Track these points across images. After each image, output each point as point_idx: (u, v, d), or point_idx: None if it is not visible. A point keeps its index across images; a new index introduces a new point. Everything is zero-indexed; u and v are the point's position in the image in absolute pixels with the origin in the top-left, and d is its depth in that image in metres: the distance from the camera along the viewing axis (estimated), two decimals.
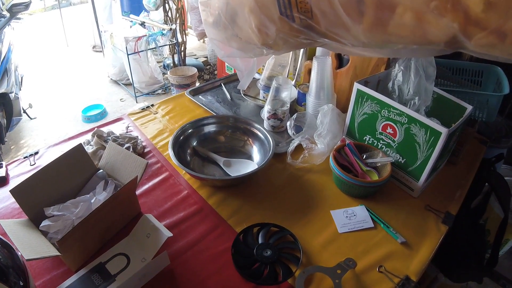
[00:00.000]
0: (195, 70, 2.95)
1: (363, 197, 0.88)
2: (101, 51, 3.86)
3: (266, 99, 1.16)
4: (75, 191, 0.79)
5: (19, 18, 2.57)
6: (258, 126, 1.02)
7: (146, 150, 1.04)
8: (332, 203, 0.87)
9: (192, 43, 4.17)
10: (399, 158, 0.89)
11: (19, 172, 0.94)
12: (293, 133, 1.05)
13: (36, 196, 0.71)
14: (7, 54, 2.34)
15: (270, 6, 0.53)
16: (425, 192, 0.90)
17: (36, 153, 1.01)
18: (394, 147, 0.89)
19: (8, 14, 2.41)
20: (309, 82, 1.09)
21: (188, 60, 3.48)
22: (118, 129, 1.11)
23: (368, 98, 0.90)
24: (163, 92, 3.32)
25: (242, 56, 0.76)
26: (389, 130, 0.88)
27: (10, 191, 0.66)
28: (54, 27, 5.04)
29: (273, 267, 0.69)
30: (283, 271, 0.69)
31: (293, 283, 0.67)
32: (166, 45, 3.20)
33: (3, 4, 2.48)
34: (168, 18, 3.12)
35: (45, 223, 0.69)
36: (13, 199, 0.67)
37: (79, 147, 0.79)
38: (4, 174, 0.90)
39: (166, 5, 3.02)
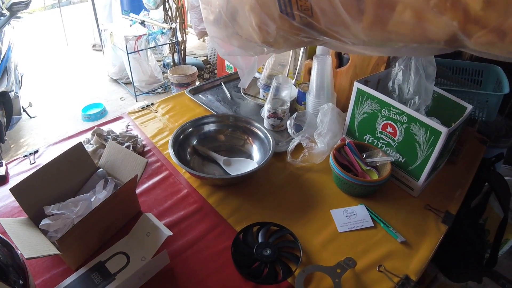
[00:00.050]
0: (195, 69, 2.94)
1: (363, 197, 0.88)
2: (101, 50, 3.86)
3: (266, 98, 1.16)
4: (75, 189, 0.79)
5: (19, 17, 2.57)
6: (258, 125, 1.02)
7: (146, 149, 1.04)
8: (332, 202, 0.87)
9: (192, 42, 4.16)
10: (399, 158, 0.89)
11: (19, 170, 0.94)
12: (293, 132, 1.05)
13: (36, 195, 0.70)
14: (7, 53, 2.34)
15: (270, 4, 0.53)
16: (425, 192, 0.90)
17: (36, 151, 1.01)
18: (394, 146, 0.89)
19: (8, 13, 2.40)
20: (309, 81, 1.09)
21: (188, 59, 3.48)
22: (118, 128, 1.11)
23: (368, 97, 0.90)
24: (163, 91, 3.32)
25: (243, 54, 0.76)
26: (389, 129, 0.88)
27: (10, 189, 0.66)
28: (54, 26, 5.03)
29: (273, 266, 0.69)
30: (283, 270, 0.69)
31: (292, 282, 0.67)
32: (166, 44, 3.20)
33: (3, 2, 2.47)
34: (168, 17, 3.12)
35: (45, 221, 0.69)
36: (13, 198, 0.67)
37: (79, 146, 0.79)
38: (4, 173, 0.90)
39: (166, 4, 3.02)
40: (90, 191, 0.78)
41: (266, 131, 0.99)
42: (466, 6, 0.38)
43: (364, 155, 0.92)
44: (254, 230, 0.78)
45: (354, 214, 0.83)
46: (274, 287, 0.67)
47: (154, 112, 1.23)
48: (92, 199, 0.75)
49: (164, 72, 3.41)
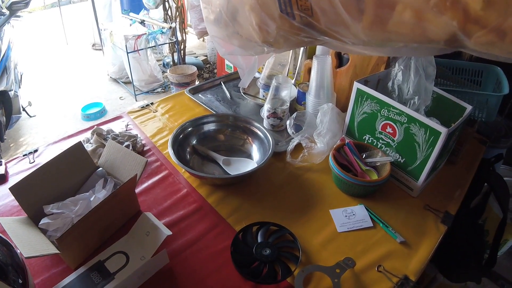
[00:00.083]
0: (195, 68, 2.94)
1: (362, 197, 0.88)
2: (100, 49, 3.86)
3: (266, 98, 1.16)
4: (75, 189, 0.79)
5: (18, 16, 2.57)
6: (258, 125, 1.02)
7: (145, 148, 1.04)
8: (332, 202, 0.87)
9: (192, 42, 4.16)
10: (399, 158, 0.89)
11: (19, 170, 0.94)
12: (292, 132, 1.05)
13: (35, 194, 0.70)
14: (6, 52, 2.34)
15: (271, 3, 0.53)
16: (424, 192, 0.90)
17: (36, 151, 1.01)
18: (394, 146, 0.89)
19: (7, 12, 2.40)
20: (309, 81, 1.09)
21: (188, 59, 3.48)
22: (117, 127, 1.11)
23: (368, 97, 0.90)
24: (163, 90, 3.31)
25: (243, 54, 0.76)
26: (388, 129, 0.88)
27: (10, 188, 0.66)
28: (53, 25, 5.03)
29: (272, 266, 0.69)
30: (282, 270, 0.69)
31: (292, 282, 0.67)
32: (166, 43, 3.20)
33: (2, 1, 2.47)
34: (168, 17, 3.12)
35: (44, 221, 0.69)
36: (12, 197, 0.67)
37: (79, 145, 0.78)
38: (3, 172, 0.90)
39: (166, 3, 3.02)
40: (90, 190, 0.77)
41: (265, 131, 0.99)
42: (466, 6, 0.38)
43: (364, 155, 0.92)
44: (253, 230, 0.78)
45: (354, 214, 0.83)
46: (273, 287, 0.67)
47: (153, 112, 1.23)
48: (92, 199, 0.75)
49: (163, 72, 3.41)
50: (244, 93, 1.30)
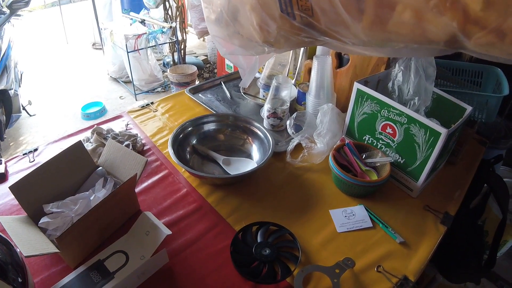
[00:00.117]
0: (195, 68, 2.94)
1: (362, 197, 0.88)
2: (101, 49, 3.85)
3: (266, 98, 1.16)
4: (74, 188, 0.79)
5: (19, 15, 2.57)
6: (258, 125, 1.02)
7: (145, 148, 1.04)
8: (331, 203, 0.87)
9: (192, 41, 4.16)
10: (399, 158, 0.89)
11: (18, 168, 0.94)
12: (292, 132, 1.05)
13: (35, 193, 0.70)
14: (6, 51, 2.34)
15: (271, 3, 0.53)
16: (424, 192, 0.90)
17: (36, 150, 1.01)
18: (394, 147, 0.89)
19: (8, 11, 2.40)
20: (309, 81, 1.09)
21: (188, 58, 3.48)
22: (117, 126, 1.11)
23: (368, 97, 0.90)
24: (163, 90, 3.31)
25: (244, 54, 0.76)
26: (388, 130, 0.88)
27: (9, 187, 0.66)
28: (54, 24, 5.03)
29: (271, 265, 0.70)
30: (281, 269, 0.69)
31: (291, 282, 0.67)
32: (166, 43, 3.20)
33: (3, 1, 2.47)
34: (168, 16, 3.12)
35: (44, 220, 0.69)
36: (12, 196, 0.67)
37: (79, 144, 0.79)
38: (3, 171, 0.90)
39: (166, 3, 3.02)
40: (90, 189, 0.77)
41: (265, 131, 0.99)
42: (465, 7, 0.38)
43: (364, 156, 0.92)
44: (253, 229, 0.78)
45: (353, 215, 0.83)
46: (273, 287, 0.67)
47: (153, 111, 1.23)
48: (92, 198, 0.75)
49: (164, 71, 3.41)
50: (244, 93, 1.30)
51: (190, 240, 0.75)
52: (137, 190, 0.88)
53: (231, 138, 1.05)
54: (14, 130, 2.70)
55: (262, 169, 0.91)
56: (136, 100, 3.18)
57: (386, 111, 0.86)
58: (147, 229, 0.70)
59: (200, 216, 0.82)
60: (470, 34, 0.40)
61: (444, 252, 0.97)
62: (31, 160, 0.97)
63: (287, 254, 0.72)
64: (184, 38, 3.22)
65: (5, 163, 0.94)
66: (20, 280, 0.53)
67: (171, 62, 3.31)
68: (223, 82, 1.41)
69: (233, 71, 1.75)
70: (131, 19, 3.10)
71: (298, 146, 0.99)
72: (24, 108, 2.77)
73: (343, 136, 1.01)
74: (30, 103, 2.88)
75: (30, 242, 0.59)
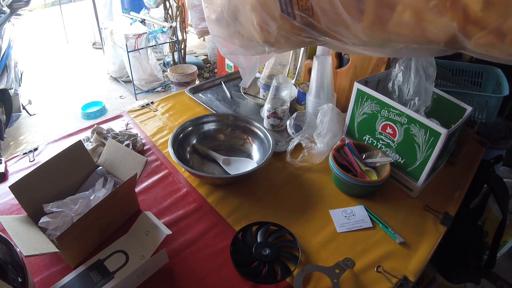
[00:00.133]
0: (195, 68, 2.94)
1: (362, 197, 0.88)
2: (101, 48, 3.85)
3: (266, 98, 1.16)
4: (74, 187, 0.79)
5: (19, 14, 2.57)
6: (258, 125, 1.02)
7: (145, 147, 1.04)
8: (331, 203, 0.87)
9: (192, 41, 4.16)
10: (399, 158, 0.89)
11: (18, 168, 0.94)
12: (292, 132, 1.05)
13: (35, 193, 0.70)
14: (7, 50, 2.34)
15: (271, 3, 0.53)
16: (424, 193, 0.90)
17: (36, 149, 1.01)
18: (394, 147, 0.89)
19: (8, 10, 2.40)
20: (309, 81, 1.09)
21: (188, 58, 3.48)
22: (117, 126, 1.11)
23: (368, 98, 0.90)
24: (163, 89, 3.31)
25: (244, 54, 0.76)
26: (388, 130, 0.88)
27: (9, 187, 0.66)
28: (54, 23, 5.03)
29: (271, 265, 0.70)
30: (281, 270, 0.69)
31: (291, 282, 0.67)
32: (166, 42, 3.20)
33: (3, 0, 2.47)
34: (169, 16, 3.12)
35: (44, 219, 0.69)
36: (12, 195, 0.67)
37: (79, 144, 0.79)
38: (3, 170, 0.90)
39: (167, 2, 3.02)
40: (90, 189, 0.77)
41: (265, 131, 0.99)
42: (465, 7, 0.38)
43: (364, 156, 0.92)
44: (253, 229, 0.78)
45: (353, 215, 0.83)
46: (272, 287, 0.67)
47: (154, 111, 1.23)
48: (92, 197, 0.75)
49: (164, 71, 3.41)
50: (244, 93, 1.30)
51: (190, 240, 0.75)
52: (137, 189, 0.88)
53: (231, 138, 1.05)
54: (14, 130, 2.70)
55: (262, 169, 0.91)
56: (136, 99, 3.17)
57: (386, 111, 0.86)
58: (147, 229, 0.70)
59: (200, 216, 0.82)
60: (470, 34, 0.40)
61: (444, 253, 0.97)
62: (31, 159, 0.97)
63: (287, 254, 0.72)
64: (184, 38, 3.22)
65: (5, 162, 0.94)
66: (20, 279, 0.53)
67: (171, 62, 3.31)
68: (223, 82, 1.41)
69: (233, 71, 1.75)
70: (131, 18, 3.10)
71: (298, 146, 0.99)
72: (24, 108, 2.77)
73: (343, 136, 1.01)
74: (30, 102, 2.88)
75: (30, 242, 0.60)
